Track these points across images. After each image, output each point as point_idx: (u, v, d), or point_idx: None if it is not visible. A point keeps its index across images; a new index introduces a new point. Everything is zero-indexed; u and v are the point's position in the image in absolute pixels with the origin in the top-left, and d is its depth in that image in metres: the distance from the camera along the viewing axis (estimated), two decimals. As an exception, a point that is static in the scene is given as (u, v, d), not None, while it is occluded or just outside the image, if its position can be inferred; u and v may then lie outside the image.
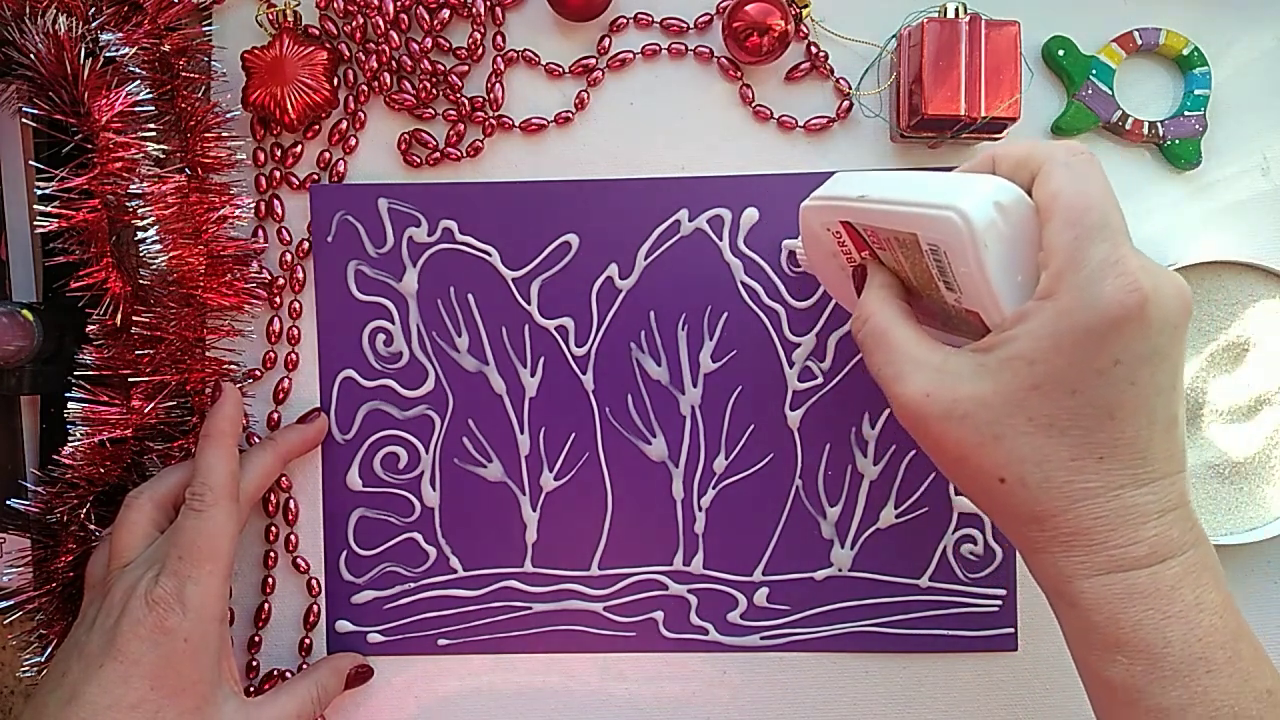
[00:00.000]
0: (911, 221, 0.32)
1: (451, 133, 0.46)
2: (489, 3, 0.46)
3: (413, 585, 0.47)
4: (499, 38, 0.46)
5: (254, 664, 0.47)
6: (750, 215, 0.45)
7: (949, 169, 0.45)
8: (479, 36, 0.46)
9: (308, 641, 0.47)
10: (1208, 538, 0.31)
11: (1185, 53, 0.45)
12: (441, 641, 0.46)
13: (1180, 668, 0.29)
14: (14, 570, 0.43)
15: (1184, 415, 0.31)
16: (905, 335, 0.33)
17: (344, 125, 0.46)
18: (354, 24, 0.45)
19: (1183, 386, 0.31)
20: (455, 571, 0.47)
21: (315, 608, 0.47)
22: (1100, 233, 0.29)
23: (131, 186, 0.41)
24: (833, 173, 0.45)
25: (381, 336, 0.47)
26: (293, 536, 0.47)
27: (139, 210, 0.41)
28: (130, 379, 0.42)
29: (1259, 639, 0.31)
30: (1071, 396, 0.29)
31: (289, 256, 0.47)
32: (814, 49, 0.46)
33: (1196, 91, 0.45)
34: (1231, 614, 0.30)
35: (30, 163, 0.44)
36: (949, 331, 0.36)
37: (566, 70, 0.46)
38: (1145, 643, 0.29)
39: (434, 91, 0.46)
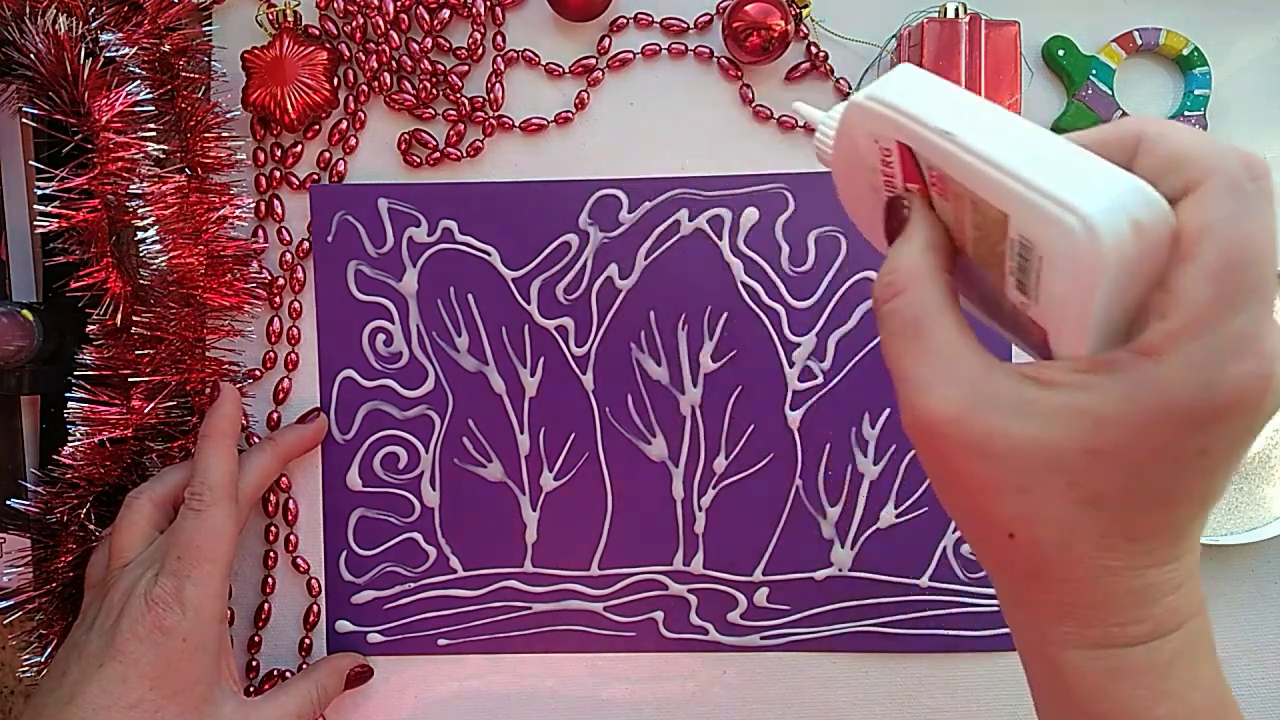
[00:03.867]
0: (1009, 199, 0.24)
1: (451, 133, 0.46)
2: (489, 3, 0.46)
3: (413, 585, 0.47)
4: (499, 38, 0.46)
5: (254, 664, 0.47)
6: (750, 215, 0.45)
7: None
8: (479, 36, 0.46)
9: (308, 641, 0.47)
10: (1205, 603, 0.27)
11: (1185, 53, 0.45)
12: (441, 641, 0.46)
13: None
14: (14, 570, 0.43)
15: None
16: (946, 330, 0.26)
17: (344, 125, 0.46)
18: (354, 24, 0.45)
19: None
20: (455, 571, 0.47)
21: (315, 608, 0.47)
22: (1248, 298, 0.22)
23: (131, 186, 0.41)
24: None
25: (381, 336, 0.47)
26: (293, 536, 0.47)
27: (139, 210, 0.41)
28: (130, 379, 0.42)
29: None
30: (1135, 478, 0.24)
31: (289, 256, 0.47)
32: (814, 49, 0.46)
33: (1196, 91, 0.45)
34: (1220, 685, 0.27)
35: (30, 163, 0.44)
36: (992, 318, 0.29)
37: (566, 70, 0.46)
38: None
39: (434, 91, 0.46)
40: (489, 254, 0.46)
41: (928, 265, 0.27)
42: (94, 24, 0.41)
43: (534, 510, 0.46)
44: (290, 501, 0.47)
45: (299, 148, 0.47)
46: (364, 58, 0.46)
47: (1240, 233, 0.22)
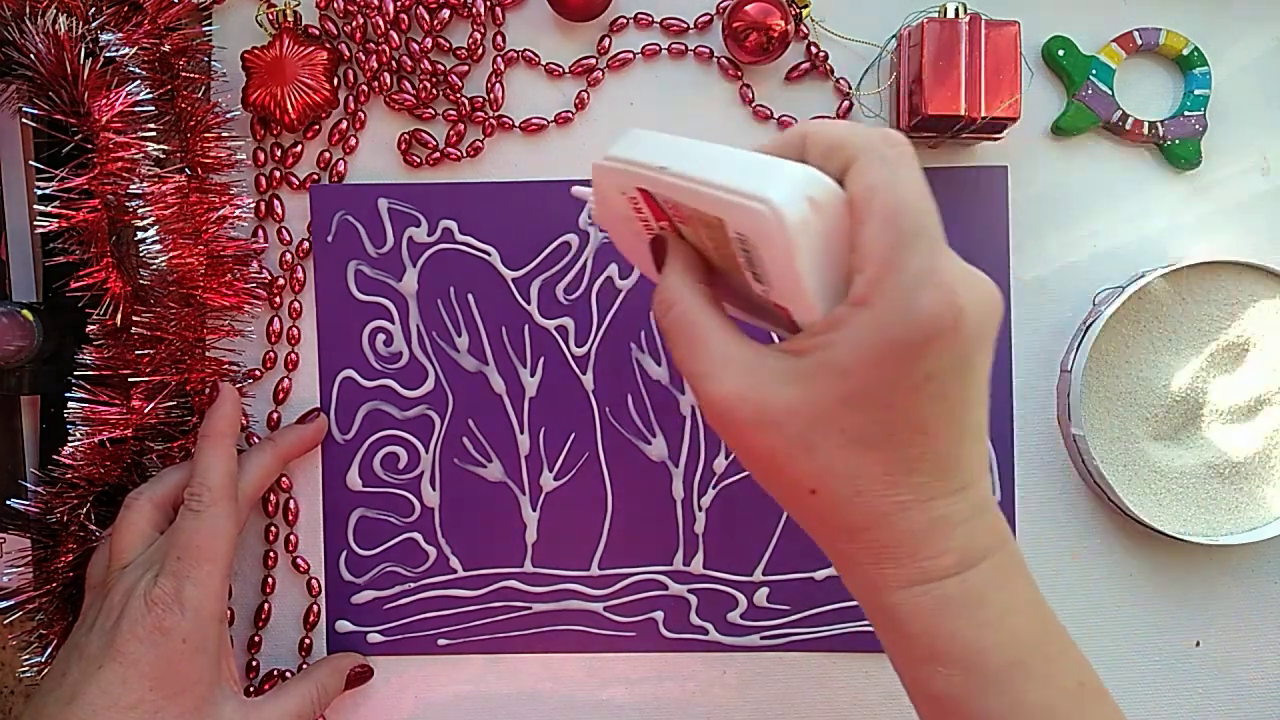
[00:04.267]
0: (717, 206, 0.29)
1: (451, 133, 0.46)
2: (489, 3, 0.46)
3: (413, 585, 0.47)
4: (499, 38, 0.46)
5: (254, 664, 0.47)
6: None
7: (949, 169, 0.45)
8: (479, 36, 0.46)
9: (308, 641, 0.47)
10: (1013, 538, 0.31)
11: (1185, 53, 0.45)
12: (441, 641, 0.46)
13: (998, 674, 0.29)
14: (14, 570, 0.43)
15: (986, 419, 0.30)
16: (714, 328, 0.31)
17: (344, 125, 0.46)
18: (354, 24, 0.45)
19: (988, 392, 0.30)
20: (455, 571, 0.47)
21: (315, 608, 0.47)
22: (917, 239, 0.27)
23: (131, 186, 0.41)
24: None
25: (381, 336, 0.47)
26: (293, 536, 0.47)
27: (139, 210, 0.41)
28: (130, 379, 0.42)
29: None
30: (885, 411, 0.28)
31: (289, 256, 0.47)
32: (814, 49, 0.46)
33: (1196, 91, 0.45)
34: (1040, 609, 0.30)
35: (30, 163, 0.44)
36: (756, 318, 0.34)
37: (566, 70, 0.46)
38: (962, 652, 0.29)
39: (434, 91, 0.46)
40: (489, 254, 0.46)
41: (686, 282, 0.32)
42: (94, 24, 0.41)
43: (534, 510, 0.46)
44: (290, 501, 0.47)
45: (299, 148, 0.47)
46: (364, 58, 0.46)
47: (893, 189, 0.27)
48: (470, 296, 0.46)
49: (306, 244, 0.47)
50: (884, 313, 0.27)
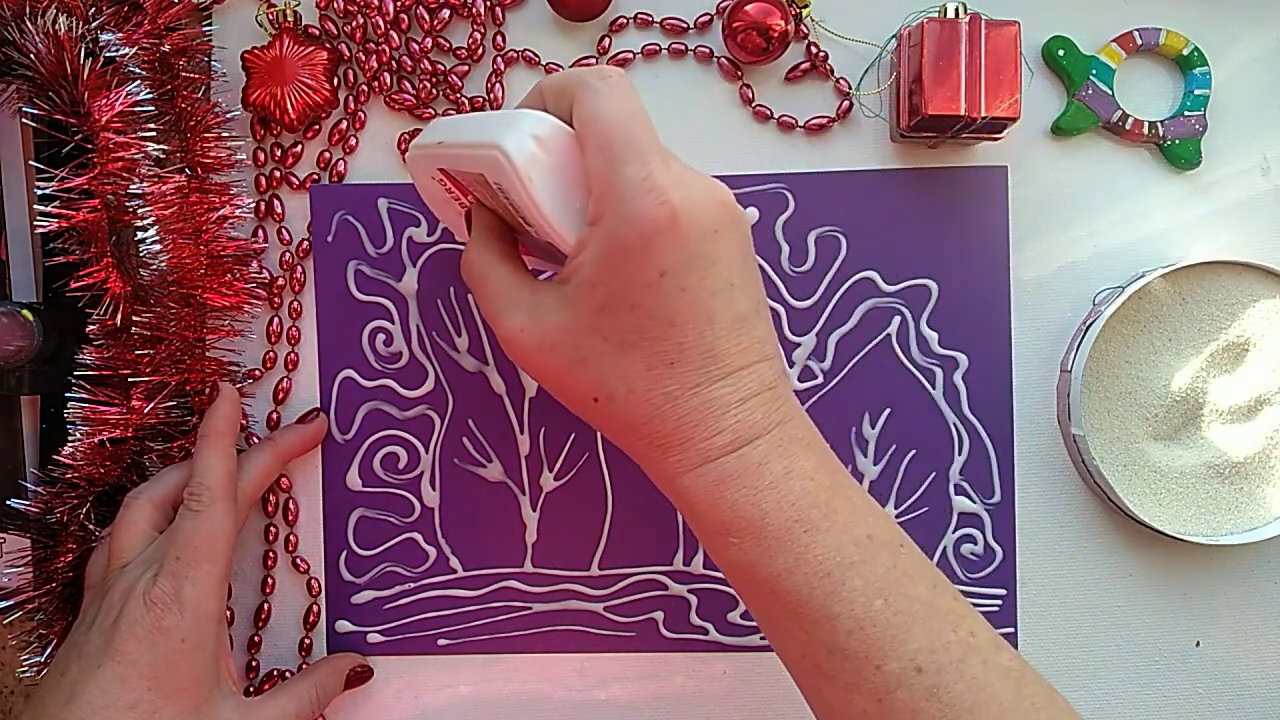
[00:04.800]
0: (475, 162, 0.33)
1: (451, 133, 0.46)
2: (489, 3, 0.46)
3: (413, 585, 0.47)
4: (499, 38, 0.46)
5: (254, 664, 0.47)
6: (750, 215, 0.45)
7: (949, 169, 0.45)
8: (479, 36, 0.46)
9: (308, 641, 0.47)
10: (801, 414, 0.33)
11: (1185, 53, 0.45)
12: (441, 641, 0.46)
13: (780, 534, 0.31)
14: (14, 570, 0.43)
15: (755, 309, 0.32)
16: (501, 275, 0.35)
17: (344, 125, 0.46)
18: (354, 24, 0.45)
19: (749, 284, 0.32)
20: (455, 571, 0.47)
21: (315, 608, 0.47)
22: (628, 152, 0.30)
23: (131, 186, 0.41)
24: (831, 173, 0.45)
25: (381, 336, 0.47)
26: (293, 536, 0.47)
27: (139, 210, 0.41)
28: (130, 379, 0.42)
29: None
30: (632, 311, 0.31)
31: (289, 256, 0.47)
32: (814, 49, 0.46)
33: (1196, 91, 0.45)
34: (826, 473, 0.32)
35: (30, 163, 0.44)
36: (553, 264, 0.37)
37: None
38: (745, 519, 0.31)
39: (434, 91, 0.46)
40: (489, 254, 0.46)
41: (483, 239, 0.36)
42: (94, 24, 0.41)
43: (534, 510, 0.46)
44: (290, 501, 0.47)
45: (299, 148, 0.47)
46: (364, 58, 0.46)
47: (602, 114, 0.31)
48: (470, 296, 0.46)
49: (306, 244, 0.47)
50: (610, 223, 0.31)
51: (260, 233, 0.47)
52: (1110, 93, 0.45)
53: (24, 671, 0.43)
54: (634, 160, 0.30)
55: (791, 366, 0.46)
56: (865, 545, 0.32)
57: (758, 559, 0.31)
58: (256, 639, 0.47)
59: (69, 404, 0.42)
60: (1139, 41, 0.45)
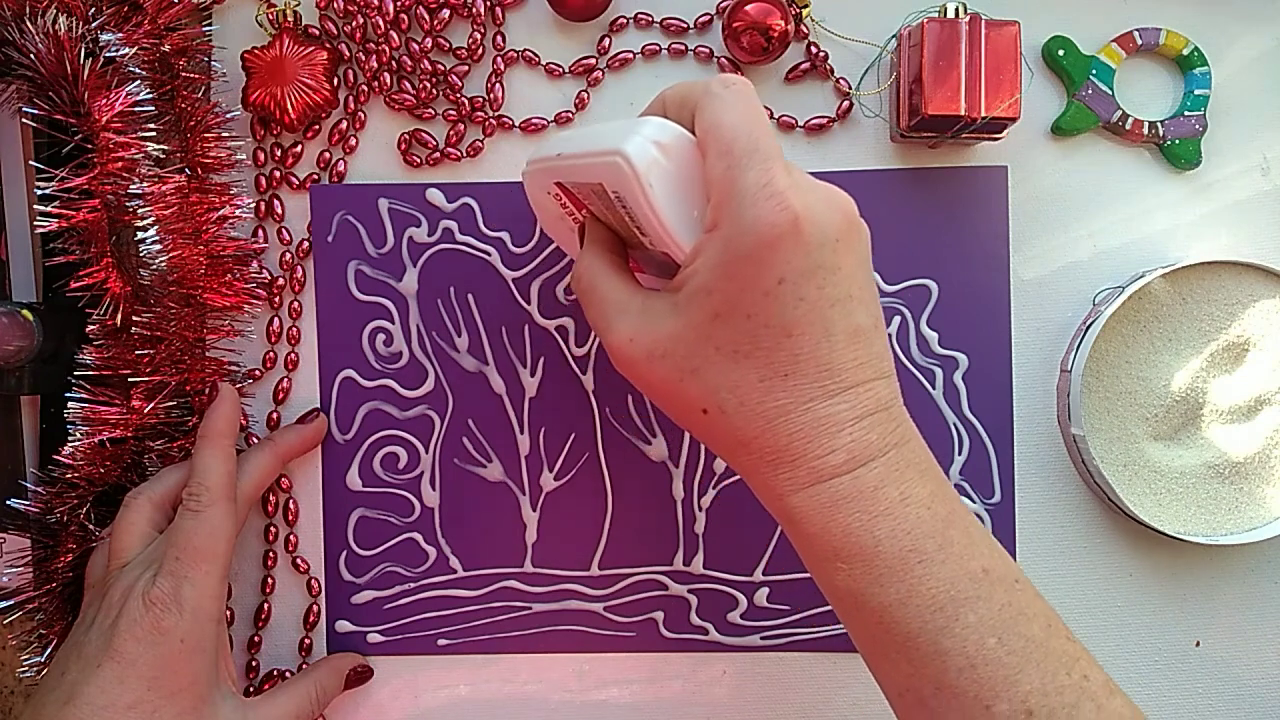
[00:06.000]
0: (594, 171, 0.33)
1: (451, 133, 0.46)
2: (489, 3, 0.46)
3: (413, 585, 0.47)
4: (499, 38, 0.46)
5: (254, 664, 0.47)
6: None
7: (949, 169, 0.45)
8: (479, 36, 0.46)
9: (308, 641, 0.47)
10: (918, 437, 0.32)
11: (1185, 53, 0.45)
12: (441, 641, 0.46)
13: (893, 563, 0.30)
14: (14, 570, 0.43)
15: (874, 324, 0.31)
16: (611, 286, 0.34)
17: (344, 125, 0.46)
18: (354, 24, 0.45)
19: (869, 296, 0.31)
20: (455, 571, 0.47)
21: (315, 608, 0.47)
22: (750, 159, 0.30)
23: (131, 186, 0.41)
24: (831, 173, 0.45)
25: (381, 336, 0.47)
26: (293, 536, 0.47)
27: (139, 210, 0.41)
28: (130, 379, 0.42)
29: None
30: (747, 320, 0.30)
31: (289, 256, 0.47)
32: (814, 49, 0.45)
33: (1196, 91, 0.45)
34: (942, 502, 0.31)
35: (30, 163, 0.44)
36: (664, 278, 0.36)
37: (566, 70, 0.46)
38: (857, 545, 0.30)
39: (434, 91, 0.46)
40: (489, 254, 0.46)
41: (594, 251, 0.36)
42: (94, 24, 0.41)
43: (534, 510, 0.46)
44: (290, 501, 0.47)
45: (299, 148, 0.47)
46: (364, 58, 0.46)
47: (725, 120, 0.30)
48: (470, 296, 0.46)
49: (306, 244, 0.47)
50: (728, 229, 0.30)
51: (260, 233, 0.47)
52: (1110, 93, 0.45)
53: (24, 671, 0.43)
54: (755, 166, 0.29)
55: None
56: (980, 580, 0.30)
57: (868, 588, 0.30)
58: (256, 639, 0.47)
59: (69, 404, 0.42)
60: (1139, 41, 0.45)
